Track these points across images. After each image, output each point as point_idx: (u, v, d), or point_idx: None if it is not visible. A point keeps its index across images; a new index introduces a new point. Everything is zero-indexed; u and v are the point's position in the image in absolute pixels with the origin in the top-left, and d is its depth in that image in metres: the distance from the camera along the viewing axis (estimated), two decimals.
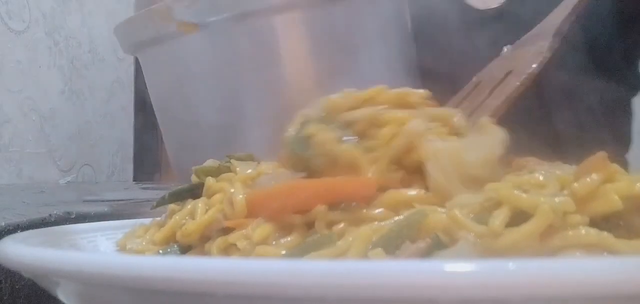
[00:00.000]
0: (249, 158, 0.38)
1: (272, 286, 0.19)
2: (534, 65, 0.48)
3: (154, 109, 0.77)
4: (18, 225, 0.49)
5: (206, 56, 0.66)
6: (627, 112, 0.96)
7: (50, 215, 0.55)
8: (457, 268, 0.19)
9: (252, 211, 0.32)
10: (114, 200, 0.70)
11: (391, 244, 0.27)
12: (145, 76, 0.77)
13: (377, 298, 0.19)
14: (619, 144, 0.91)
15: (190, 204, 0.36)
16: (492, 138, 0.31)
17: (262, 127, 0.63)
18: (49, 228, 0.42)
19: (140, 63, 0.77)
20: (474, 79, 0.52)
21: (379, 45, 0.66)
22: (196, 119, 0.67)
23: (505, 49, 0.53)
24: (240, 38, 0.64)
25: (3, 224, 0.48)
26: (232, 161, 0.37)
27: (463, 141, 0.32)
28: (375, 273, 0.19)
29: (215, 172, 0.37)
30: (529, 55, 0.48)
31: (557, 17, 0.51)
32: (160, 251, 0.34)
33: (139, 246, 0.35)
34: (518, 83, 0.47)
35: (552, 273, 0.20)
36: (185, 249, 0.34)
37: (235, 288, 0.20)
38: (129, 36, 0.73)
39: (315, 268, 0.20)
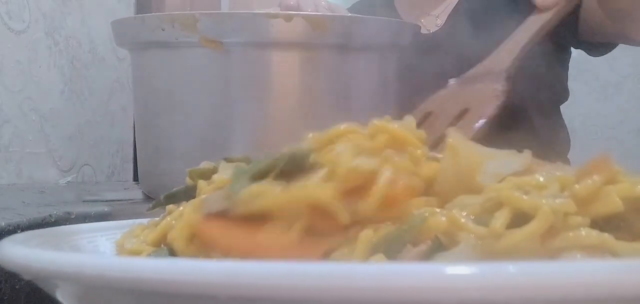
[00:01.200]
0: (246, 161, 0.37)
1: (275, 288, 0.19)
2: (492, 108, 0.48)
3: (135, 107, 0.78)
4: (18, 225, 0.49)
5: (203, 71, 0.67)
6: (559, 117, 1.01)
7: (50, 215, 0.55)
8: (458, 271, 0.19)
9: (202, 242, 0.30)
10: (114, 200, 0.70)
11: (392, 248, 0.27)
12: (133, 75, 0.77)
13: (378, 300, 0.19)
14: (558, 146, 0.96)
15: (183, 207, 0.36)
16: (518, 159, 0.31)
17: (243, 149, 0.65)
18: (49, 228, 0.42)
19: (132, 61, 0.77)
20: (422, 106, 0.52)
21: (363, 94, 0.70)
22: (178, 128, 0.69)
23: (451, 81, 0.53)
24: (240, 61, 0.67)
25: (3, 224, 0.48)
26: (221, 164, 0.37)
27: (490, 151, 0.31)
28: (377, 276, 0.19)
29: (210, 175, 0.36)
30: (483, 95, 0.49)
31: (506, 57, 0.51)
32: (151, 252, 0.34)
33: (133, 246, 0.35)
34: (478, 125, 0.47)
35: (552, 276, 0.20)
36: (175, 251, 0.34)
37: (237, 291, 0.20)
38: (127, 34, 0.73)
39: (317, 271, 0.20)
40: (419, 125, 0.47)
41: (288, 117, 0.67)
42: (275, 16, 0.65)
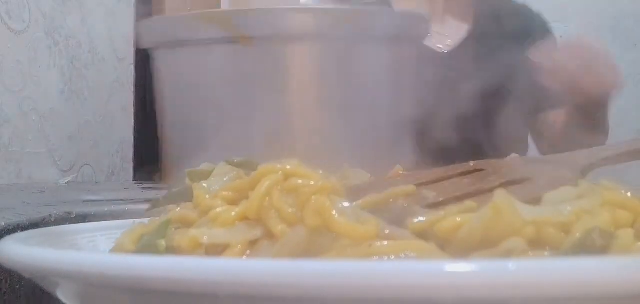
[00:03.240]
0: (248, 164, 0.37)
1: (274, 286, 0.20)
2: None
3: (159, 108, 0.80)
4: (18, 225, 0.49)
5: (227, 67, 0.72)
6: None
7: (50, 215, 0.55)
8: (457, 268, 0.19)
9: None
10: (114, 200, 0.70)
11: None
12: (157, 74, 0.80)
13: (377, 298, 0.19)
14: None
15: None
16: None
17: (263, 139, 0.68)
18: (49, 227, 0.42)
19: (157, 59, 0.79)
20: (472, 164, 0.43)
21: (380, 86, 0.73)
22: (204, 123, 0.72)
23: (513, 155, 0.46)
24: (263, 55, 0.70)
25: (3, 224, 0.48)
26: (220, 166, 0.36)
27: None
28: (376, 274, 0.19)
29: (208, 176, 0.36)
30: (552, 176, 0.40)
31: (584, 159, 0.43)
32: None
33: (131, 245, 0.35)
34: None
35: (552, 273, 0.20)
36: None
37: (236, 288, 0.20)
38: (154, 33, 0.77)
39: (316, 268, 0.20)
40: (462, 175, 0.41)
41: (307, 108, 0.70)
42: (298, 11, 0.70)
